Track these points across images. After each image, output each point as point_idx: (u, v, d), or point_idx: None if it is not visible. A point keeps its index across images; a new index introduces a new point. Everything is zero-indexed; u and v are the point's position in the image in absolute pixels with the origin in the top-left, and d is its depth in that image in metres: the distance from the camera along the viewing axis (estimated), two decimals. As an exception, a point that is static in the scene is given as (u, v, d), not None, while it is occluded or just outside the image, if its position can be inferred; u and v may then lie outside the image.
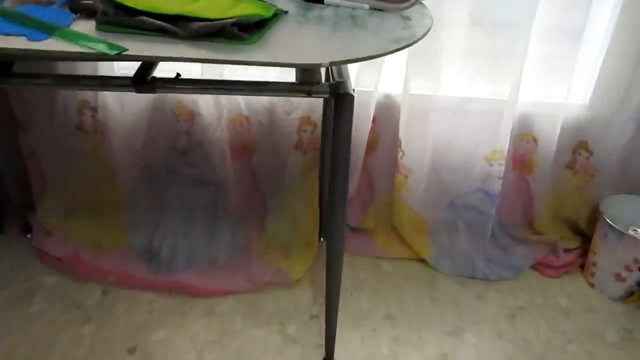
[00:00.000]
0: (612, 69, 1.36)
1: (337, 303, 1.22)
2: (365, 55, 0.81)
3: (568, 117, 1.42)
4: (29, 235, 1.55)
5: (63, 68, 1.29)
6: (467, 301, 1.45)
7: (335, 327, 1.24)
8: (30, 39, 0.82)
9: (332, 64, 0.78)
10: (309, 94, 0.97)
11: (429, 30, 0.93)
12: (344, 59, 0.79)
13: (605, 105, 1.40)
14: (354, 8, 1.00)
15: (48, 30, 0.84)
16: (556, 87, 1.34)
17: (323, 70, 1.05)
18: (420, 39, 0.89)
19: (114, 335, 1.30)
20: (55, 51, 0.79)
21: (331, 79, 1.00)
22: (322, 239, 1.58)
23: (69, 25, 0.87)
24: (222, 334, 1.32)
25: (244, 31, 0.82)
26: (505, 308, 1.44)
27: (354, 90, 0.97)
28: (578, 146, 1.49)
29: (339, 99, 0.95)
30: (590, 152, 1.47)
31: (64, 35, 0.83)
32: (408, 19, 0.96)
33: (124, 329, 1.31)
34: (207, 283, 1.43)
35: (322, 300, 1.41)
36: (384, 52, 0.82)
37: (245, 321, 1.35)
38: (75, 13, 0.90)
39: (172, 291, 1.42)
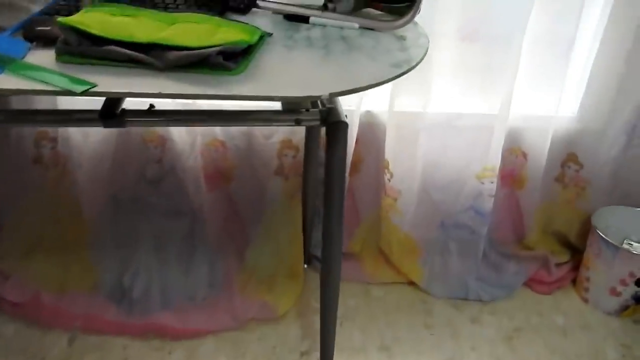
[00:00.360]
0: (600, 80, 1.32)
1: (333, 340, 1.14)
2: (366, 84, 0.73)
3: (557, 130, 1.38)
4: (-19, 279, 1.40)
5: (17, 100, 1.16)
6: (463, 325, 1.39)
7: (331, 366, 1.16)
8: (-23, 75, 0.70)
9: (332, 95, 0.69)
10: (298, 123, 0.88)
11: (427, 50, 0.86)
12: (344, 89, 0.70)
13: (594, 116, 1.37)
14: (342, 28, 0.92)
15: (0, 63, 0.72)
16: (546, 99, 1.30)
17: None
18: (420, 61, 0.81)
19: (85, 389, 1.18)
20: (9, 89, 0.68)
21: (320, 104, 0.92)
22: (306, 266, 1.49)
23: (23, 57, 0.76)
24: (206, 380, 1.21)
25: (228, 60, 0.72)
26: (502, 330, 1.38)
27: (346, 116, 0.89)
28: (567, 159, 1.45)
29: (332, 128, 0.87)
30: (580, 165, 1.43)
31: (18, 68, 0.72)
32: (403, 38, 0.89)
33: (96, 382, 1.19)
34: (185, 322, 1.32)
35: (311, 334, 1.32)
36: (385, 79, 0.74)
37: (230, 363, 1.25)
38: (31, 41, 0.79)
39: (148, 334, 1.30)
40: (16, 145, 1.31)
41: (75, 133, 1.30)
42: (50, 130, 1.31)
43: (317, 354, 1.24)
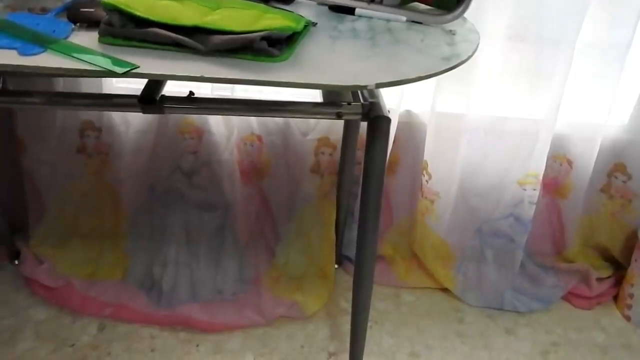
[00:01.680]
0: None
1: (363, 343, 1.11)
2: (414, 76, 0.70)
3: (605, 139, 1.32)
4: (16, 262, 1.42)
5: (65, 84, 1.17)
6: (497, 336, 1.34)
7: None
8: (21, 53, 0.70)
9: (378, 86, 0.66)
10: (339, 116, 0.86)
11: (477, 46, 0.82)
12: (391, 80, 0.68)
13: (646, 126, 1.30)
14: (388, 20, 0.89)
15: (42, 42, 0.72)
16: (596, 106, 1.24)
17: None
18: (471, 56, 0.78)
19: (111, 377, 1.17)
20: (51, 67, 0.67)
21: (361, 98, 0.89)
22: (337, 266, 1.46)
23: (66, 37, 0.75)
24: (232, 375, 1.19)
25: (273, 46, 0.70)
26: (538, 344, 1.32)
27: (389, 111, 0.86)
28: (614, 169, 1.38)
29: (374, 123, 0.84)
30: (629, 176, 1.37)
31: (60, 48, 0.72)
32: (452, 33, 0.86)
33: (122, 371, 1.19)
34: (213, 316, 1.30)
35: (340, 336, 1.30)
36: (434, 72, 0.71)
37: (257, 360, 1.23)
38: (74, 23, 0.79)
39: (176, 325, 1.29)
40: (61, 134, 1.32)
41: (118, 124, 1.30)
42: (95, 120, 1.32)
43: (345, 356, 1.21)
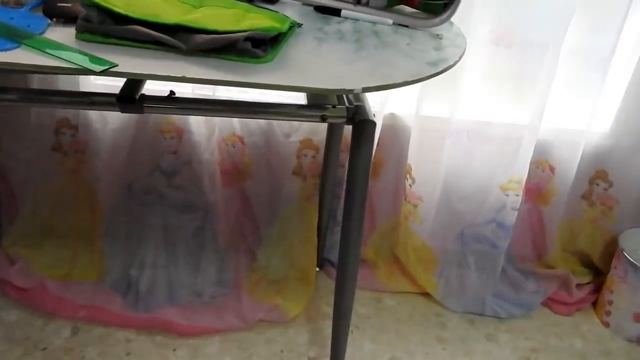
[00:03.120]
0: (637, 95, 1.26)
1: (345, 348, 1.10)
2: (401, 80, 0.68)
3: (587, 145, 1.32)
4: (-13, 263, 1.37)
5: (40, 81, 1.13)
6: (478, 342, 1.33)
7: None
8: (-7, 48, 0.67)
9: (365, 90, 0.65)
10: (324, 119, 0.84)
11: (464, 51, 0.81)
12: (377, 84, 0.66)
13: (628, 133, 1.31)
14: (375, 23, 0.88)
15: (16, 37, 0.69)
16: (578, 112, 1.25)
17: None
18: (458, 61, 0.77)
19: (85, 382, 1.14)
20: (25, 64, 0.65)
21: (346, 102, 0.87)
22: (318, 269, 1.44)
23: (42, 33, 0.73)
24: (210, 381, 1.17)
25: (257, 47, 0.68)
26: (519, 350, 1.32)
27: (374, 115, 0.85)
28: (596, 176, 1.39)
29: (359, 127, 0.83)
30: (610, 183, 1.38)
31: (36, 44, 0.69)
32: (439, 37, 0.85)
33: (96, 376, 1.15)
34: (191, 320, 1.28)
35: (320, 340, 1.28)
36: (421, 76, 0.70)
37: (236, 366, 1.21)
38: (51, 18, 0.76)
39: (152, 329, 1.26)
40: (36, 132, 1.28)
41: (95, 122, 1.27)
42: (71, 118, 1.28)
43: (326, 361, 1.20)
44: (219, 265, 1.38)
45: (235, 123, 1.29)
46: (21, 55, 0.66)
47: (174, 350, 1.22)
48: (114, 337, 1.24)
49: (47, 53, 0.67)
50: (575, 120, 1.27)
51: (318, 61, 0.72)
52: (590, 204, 1.43)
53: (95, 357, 1.19)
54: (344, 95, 0.89)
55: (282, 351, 1.25)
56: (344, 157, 1.34)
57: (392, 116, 1.32)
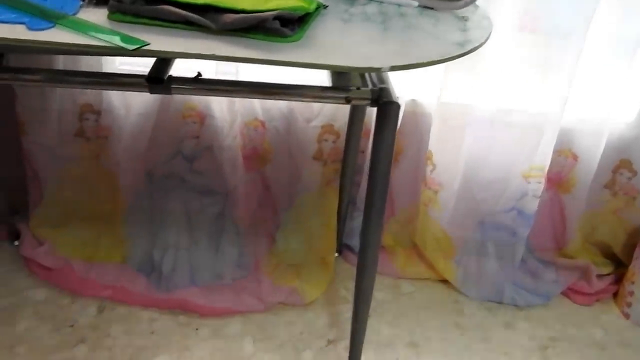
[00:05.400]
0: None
1: (364, 331, 1.11)
2: (428, 59, 0.69)
3: (612, 134, 1.31)
4: (15, 243, 1.41)
5: (64, 65, 1.15)
6: (496, 329, 1.34)
7: (360, 356, 1.12)
8: (30, 28, 0.69)
9: (393, 68, 0.66)
10: (348, 101, 0.85)
11: (490, 33, 0.81)
12: (405, 63, 0.67)
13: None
14: (400, 5, 0.88)
15: (51, 17, 0.71)
16: (603, 100, 1.23)
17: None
18: (484, 42, 0.77)
19: (111, 358, 1.17)
20: (61, 42, 0.66)
21: (370, 84, 0.88)
22: (337, 254, 1.46)
23: (75, 13, 0.74)
24: (232, 359, 1.19)
25: (284, 26, 0.69)
26: (537, 338, 1.32)
27: (397, 97, 0.85)
28: (620, 165, 1.38)
29: (383, 109, 0.83)
30: (634, 172, 1.37)
31: (70, 24, 0.71)
32: (465, 19, 0.85)
33: (122, 352, 1.18)
34: (212, 301, 1.30)
35: (340, 324, 1.30)
36: (448, 56, 0.71)
37: (256, 346, 1.23)
38: (83, -1, 0.77)
39: (175, 309, 1.29)
40: (60, 117, 1.30)
41: (118, 107, 1.29)
42: (94, 103, 1.30)
43: (344, 343, 1.21)
44: (239, 248, 1.40)
45: (257, 108, 1.30)
46: (56, 35, 0.68)
47: (196, 329, 1.25)
48: (138, 316, 1.27)
49: (81, 32, 0.68)
50: (600, 108, 1.25)
51: (345, 41, 0.73)
52: (613, 194, 1.42)
53: (120, 335, 1.22)
54: (368, 78, 0.89)
55: (301, 333, 1.27)
56: (364, 143, 1.35)
57: (413, 103, 1.32)
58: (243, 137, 1.33)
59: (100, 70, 1.23)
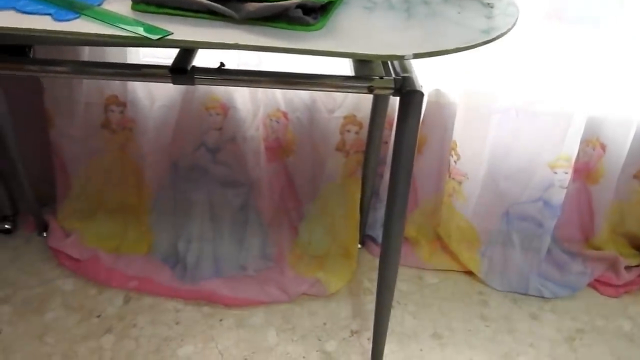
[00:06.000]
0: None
1: (387, 322, 1.10)
2: (453, 47, 0.68)
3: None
4: (44, 234, 1.44)
5: (90, 56, 1.17)
6: (521, 321, 1.32)
7: (383, 347, 1.12)
8: (56, 19, 0.70)
9: (416, 56, 0.65)
10: (371, 90, 0.84)
11: (517, 19, 0.80)
12: (429, 50, 0.66)
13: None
14: (424, -8, 0.87)
15: (76, 8, 0.72)
16: (632, 89, 1.20)
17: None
18: (510, 29, 0.75)
19: (137, 348, 1.18)
20: (87, 33, 0.67)
21: (393, 73, 0.87)
22: (360, 246, 1.45)
23: (100, 4, 0.75)
24: (256, 349, 1.20)
25: (307, 15, 0.69)
26: (563, 330, 1.30)
27: (421, 86, 0.84)
28: (649, 155, 1.34)
29: (406, 98, 0.82)
30: (664, 162, 1.33)
31: (94, 14, 0.71)
32: (490, 6, 0.83)
33: (148, 342, 1.20)
34: (236, 292, 1.31)
35: (363, 314, 1.29)
36: (473, 43, 0.69)
37: (280, 336, 1.23)
38: (108, -10, 0.78)
39: (200, 300, 1.30)
40: (86, 109, 1.32)
41: (142, 99, 1.30)
42: (119, 94, 1.32)
43: (368, 334, 1.21)
44: (263, 239, 1.41)
45: (280, 99, 1.30)
46: (81, 25, 0.69)
47: (221, 320, 1.26)
48: (164, 307, 1.28)
49: (106, 22, 0.69)
50: (628, 97, 1.22)
51: (368, 29, 0.72)
52: (642, 184, 1.38)
53: (146, 325, 1.23)
54: (391, 68, 0.88)
55: (325, 324, 1.27)
56: (387, 134, 1.34)
57: (437, 92, 1.30)
58: (266, 128, 1.34)
59: (125, 61, 1.24)
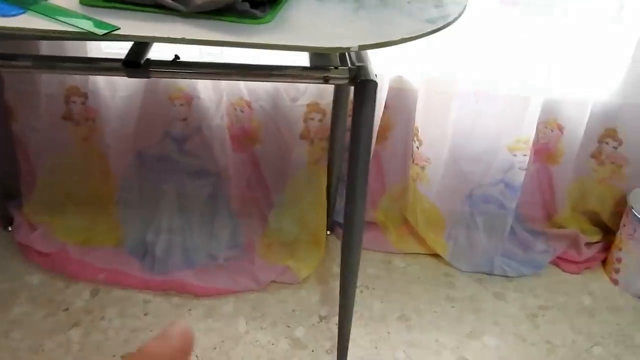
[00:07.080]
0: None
1: (352, 305, 1.12)
2: (398, 37, 0.69)
3: (596, 104, 1.31)
4: (9, 229, 1.42)
5: (48, 49, 1.15)
6: (486, 300, 1.36)
7: (349, 331, 1.14)
8: (0, 15, 0.69)
9: (361, 48, 0.66)
10: (326, 81, 0.85)
11: (465, 8, 0.81)
12: (374, 42, 0.67)
13: (637, 91, 1.29)
14: (376, -18, 0.87)
15: (22, 3, 0.71)
16: (587, 70, 1.23)
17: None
18: (457, 18, 0.77)
19: (105, 340, 1.19)
20: (32, 29, 0.66)
21: (349, 62, 0.88)
22: (329, 232, 1.47)
23: (47, -1, 0.74)
24: (225, 338, 1.21)
25: (256, 8, 0.69)
26: (526, 308, 1.35)
27: (376, 75, 0.85)
28: (605, 135, 1.38)
29: (361, 87, 0.84)
30: (619, 141, 1.37)
31: (41, 9, 0.71)
32: (440, -6, 0.84)
33: (116, 334, 1.20)
34: (206, 282, 1.32)
35: (331, 300, 1.32)
36: (419, 33, 0.70)
37: (249, 324, 1.25)
38: (55, -16, 0.77)
39: (169, 291, 1.31)
40: (47, 101, 1.30)
41: (103, 89, 1.29)
42: (80, 86, 1.30)
43: (336, 319, 1.23)
44: (232, 229, 1.42)
45: (243, 88, 1.30)
46: (28, 21, 0.68)
47: (190, 310, 1.27)
48: (133, 299, 1.29)
49: (53, 18, 0.68)
50: (584, 78, 1.25)
51: (317, 21, 0.73)
52: (599, 163, 1.42)
53: (114, 318, 1.24)
54: (347, 57, 0.89)
55: (294, 310, 1.29)
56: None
57: (399, 79, 1.32)
58: (230, 117, 1.34)
59: (85, 54, 1.23)
